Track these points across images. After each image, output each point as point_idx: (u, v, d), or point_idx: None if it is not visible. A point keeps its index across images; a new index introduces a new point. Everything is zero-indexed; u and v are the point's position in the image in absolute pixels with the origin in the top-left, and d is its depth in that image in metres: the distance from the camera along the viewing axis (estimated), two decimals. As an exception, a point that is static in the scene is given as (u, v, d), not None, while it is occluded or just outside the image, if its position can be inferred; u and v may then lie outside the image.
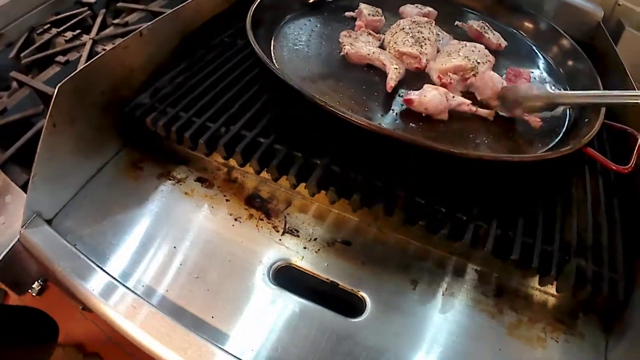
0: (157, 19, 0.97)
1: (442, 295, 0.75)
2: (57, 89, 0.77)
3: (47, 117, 0.77)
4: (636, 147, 0.83)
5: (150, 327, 0.66)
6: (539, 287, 0.77)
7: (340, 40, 1.00)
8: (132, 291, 0.70)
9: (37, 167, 0.78)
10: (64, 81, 0.78)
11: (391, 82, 0.89)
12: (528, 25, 1.25)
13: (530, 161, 0.78)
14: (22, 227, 0.78)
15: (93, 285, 0.71)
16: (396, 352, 0.68)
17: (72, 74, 0.81)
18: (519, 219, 0.77)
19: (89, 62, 0.85)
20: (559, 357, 0.72)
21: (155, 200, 0.85)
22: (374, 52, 0.94)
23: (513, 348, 0.71)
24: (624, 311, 0.74)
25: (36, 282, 0.89)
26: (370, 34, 1.02)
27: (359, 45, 0.96)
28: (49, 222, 0.81)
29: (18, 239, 0.79)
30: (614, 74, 1.11)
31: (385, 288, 0.75)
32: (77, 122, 0.84)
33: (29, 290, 0.89)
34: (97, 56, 0.86)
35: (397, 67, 0.91)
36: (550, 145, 0.87)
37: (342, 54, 0.97)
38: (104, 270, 0.73)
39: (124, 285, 0.71)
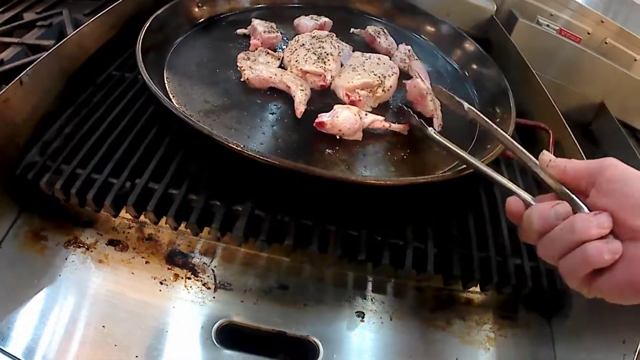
0: (36, 61, 0.85)
1: (391, 320, 0.74)
2: None
3: None
4: (551, 142, 0.86)
5: None
6: (478, 290, 0.79)
7: (238, 64, 0.93)
8: None
9: None
10: None
11: (300, 107, 0.84)
12: (429, 28, 1.26)
13: (449, 179, 0.76)
14: None
15: None
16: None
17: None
18: (452, 231, 0.77)
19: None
20: (511, 351, 0.75)
21: (67, 274, 0.75)
22: (276, 75, 0.89)
23: (469, 354, 0.73)
24: (560, 296, 0.77)
25: None
26: (269, 53, 0.97)
27: (259, 68, 0.90)
28: None
29: None
30: (514, 67, 1.15)
31: (333, 327, 0.72)
32: (-39, 200, 0.72)
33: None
34: None
35: (302, 88, 0.87)
36: (469, 150, 0.87)
37: (242, 79, 0.91)
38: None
39: None
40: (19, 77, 0.82)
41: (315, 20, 1.11)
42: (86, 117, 0.88)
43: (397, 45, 1.08)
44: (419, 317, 0.75)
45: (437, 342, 0.73)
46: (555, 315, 0.79)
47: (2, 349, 0.66)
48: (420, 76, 0.95)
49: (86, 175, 0.76)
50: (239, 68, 0.92)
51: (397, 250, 0.73)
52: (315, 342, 0.70)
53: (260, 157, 0.67)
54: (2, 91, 0.79)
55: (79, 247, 0.78)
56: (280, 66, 0.94)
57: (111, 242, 0.79)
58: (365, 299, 0.76)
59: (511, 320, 0.78)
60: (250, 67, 0.91)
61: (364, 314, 0.74)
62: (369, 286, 0.78)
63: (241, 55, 0.95)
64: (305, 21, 1.11)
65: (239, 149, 0.67)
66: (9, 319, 0.70)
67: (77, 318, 0.71)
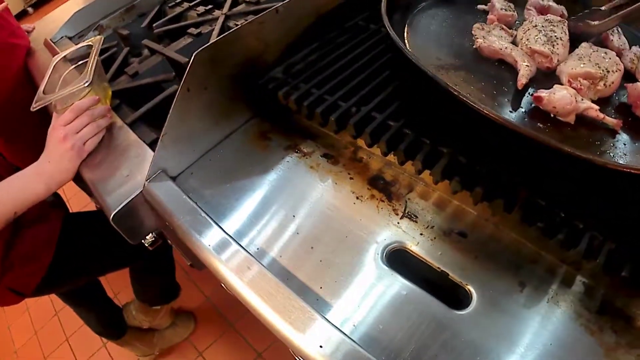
0: None
1: (547, 302, 0.72)
2: (193, 56, 0.83)
3: (182, 81, 0.84)
4: None
5: (258, 286, 0.71)
6: None
7: (473, 32, 1.00)
8: (246, 250, 0.75)
9: (167, 127, 0.85)
10: (200, 49, 0.84)
11: (522, 80, 0.88)
12: None
13: None
14: (146, 180, 0.87)
15: (209, 241, 0.77)
16: (493, 352, 0.67)
17: (208, 44, 0.87)
18: (636, 235, 0.71)
19: (225, 33, 0.90)
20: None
21: (279, 170, 0.91)
22: (506, 48, 0.94)
23: (606, 370, 0.68)
24: None
25: (150, 234, 0.97)
26: (502, 28, 1.01)
27: (492, 39, 0.96)
28: (173, 179, 0.89)
29: (141, 191, 0.87)
30: None
31: (493, 285, 0.74)
32: (210, 90, 0.90)
33: (142, 241, 0.97)
34: (234, 29, 0.92)
35: (528, 64, 0.90)
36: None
37: (474, 46, 0.98)
38: (220, 228, 0.79)
39: (237, 243, 0.76)
40: (276, 6, 0.97)
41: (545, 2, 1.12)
42: (329, 51, 1.02)
43: (630, 47, 1.05)
44: (574, 310, 0.72)
45: (580, 342, 0.68)
46: None
47: (200, 207, 0.82)
48: None
49: (319, 94, 0.90)
50: (473, 36, 0.99)
51: (574, 231, 0.72)
52: (470, 291, 0.73)
53: (480, 108, 0.72)
54: (260, 15, 0.95)
55: (297, 152, 0.93)
56: (512, 43, 0.98)
57: (325, 155, 0.93)
58: (532, 273, 0.76)
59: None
60: (483, 36, 0.97)
61: (525, 286, 0.74)
62: (541, 264, 0.77)
63: (477, 25, 1.01)
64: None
65: (463, 99, 0.73)
66: (215, 189, 0.89)
67: (272, 201, 0.87)
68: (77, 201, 2.75)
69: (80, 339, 2.27)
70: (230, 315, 2.17)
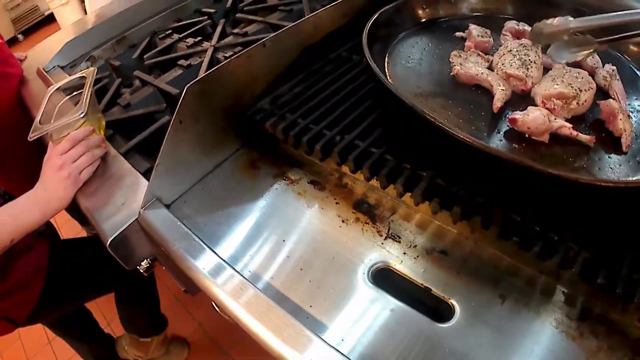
0: (279, 31, 1.06)
1: (528, 312, 0.75)
2: (185, 89, 0.87)
3: (175, 114, 0.88)
4: None
5: (254, 308, 0.73)
6: (623, 316, 0.74)
7: (450, 60, 1.05)
8: (239, 274, 0.78)
9: (161, 157, 0.89)
10: (192, 83, 0.88)
11: (497, 103, 0.93)
12: (633, 48, 1.18)
13: (623, 187, 0.77)
14: (141, 208, 0.90)
15: (204, 265, 0.80)
16: (477, 361, 0.70)
17: (199, 77, 0.91)
18: (609, 244, 0.74)
19: (215, 67, 0.94)
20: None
21: (268, 197, 0.95)
22: (482, 73, 0.99)
23: (588, 375, 0.69)
24: None
25: (145, 261, 1.00)
26: (479, 54, 1.06)
27: (469, 65, 1.01)
28: (167, 206, 0.92)
29: (137, 219, 0.90)
30: None
31: (474, 299, 0.77)
32: (201, 121, 0.94)
33: (137, 267, 1.00)
34: (223, 62, 0.96)
35: (503, 88, 0.95)
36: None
37: (452, 73, 1.02)
38: (215, 253, 0.82)
39: (232, 267, 0.79)
40: (263, 40, 1.02)
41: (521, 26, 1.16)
42: (314, 82, 1.07)
43: (603, 64, 1.09)
44: (555, 319, 0.74)
45: (563, 349, 0.71)
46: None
47: (194, 233, 0.86)
48: (617, 96, 0.98)
49: (305, 124, 0.94)
50: (450, 63, 1.04)
51: (550, 243, 0.74)
52: (453, 305, 0.76)
53: (456, 133, 0.77)
54: (249, 49, 1.00)
55: (285, 180, 0.97)
56: (488, 68, 1.03)
57: (312, 182, 0.97)
58: (512, 286, 0.78)
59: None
60: (460, 63, 1.02)
61: (506, 298, 0.76)
62: (520, 276, 0.80)
63: (454, 52, 1.06)
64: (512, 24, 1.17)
65: (439, 125, 0.78)
66: (208, 216, 0.92)
67: (263, 227, 0.90)
68: (68, 229, 2.76)
69: (73, 368, 2.27)
70: (223, 341, 2.18)
